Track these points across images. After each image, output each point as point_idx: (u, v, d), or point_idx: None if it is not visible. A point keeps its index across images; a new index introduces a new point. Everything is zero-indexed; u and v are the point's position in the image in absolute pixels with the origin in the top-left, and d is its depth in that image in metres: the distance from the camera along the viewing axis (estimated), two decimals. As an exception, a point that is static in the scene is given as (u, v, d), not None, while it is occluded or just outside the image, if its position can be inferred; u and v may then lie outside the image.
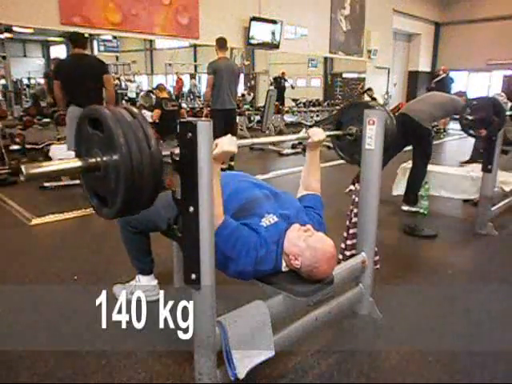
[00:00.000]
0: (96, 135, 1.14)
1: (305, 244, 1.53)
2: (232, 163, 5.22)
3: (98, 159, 1.13)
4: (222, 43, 5.07)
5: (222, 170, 1.55)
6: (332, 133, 2.07)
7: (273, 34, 8.05)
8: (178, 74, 12.98)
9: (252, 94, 10.49)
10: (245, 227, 1.55)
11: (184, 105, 9.96)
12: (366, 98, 10.09)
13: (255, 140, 1.68)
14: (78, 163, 1.13)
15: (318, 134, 1.82)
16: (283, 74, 10.91)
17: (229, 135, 1.44)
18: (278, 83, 10.64)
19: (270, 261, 1.57)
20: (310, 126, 8.06)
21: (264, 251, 1.54)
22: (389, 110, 2.00)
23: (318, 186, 1.91)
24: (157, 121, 5.66)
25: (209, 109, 5.18)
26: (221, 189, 1.50)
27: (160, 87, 6.23)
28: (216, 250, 1.45)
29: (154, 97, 9.49)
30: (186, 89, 13.37)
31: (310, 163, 1.90)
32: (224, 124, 5.02)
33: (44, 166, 1.06)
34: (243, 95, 10.44)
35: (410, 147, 3.84)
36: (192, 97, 13.02)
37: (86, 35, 5.06)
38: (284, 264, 1.60)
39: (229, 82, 5.03)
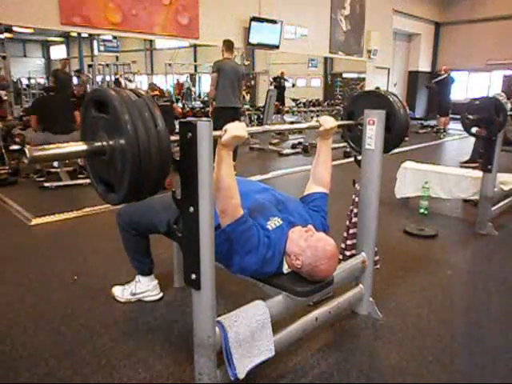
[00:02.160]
0: (101, 118, 1.10)
1: (306, 243, 1.54)
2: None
3: (104, 143, 1.09)
4: (229, 45, 5.15)
5: None
6: (343, 122, 2.02)
7: (273, 34, 8.05)
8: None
9: (249, 94, 10.48)
10: (258, 229, 1.54)
11: (179, 104, 9.98)
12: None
13: (266, 127, 1.62)
14: (83, 147, 1.10)
15: (329, 121, 1.79)
16: (282, 73, 10.91)
17: (237, 122, 1.43)
18: (278, 83, 10.64)
19: (275, 263, 1.57)
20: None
21: (271, 253, 1.54)
22: (401, 100, 1.93)
23: (329, 178, 1.88)
24: None
25: (213, 107, 5.21)
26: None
27: (151, 87, 6.41)
28: (221, 242, 1.45)
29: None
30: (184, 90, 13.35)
31: (322, 152, 1.87)
32: (229, 122, 5.05)
33: (49, 148, 1.03)
34: (244, 95, 10.43)
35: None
36: (190, 97, 13.01)
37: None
38: (286, 266, 1.61)
39: (233, 82, 5.06)
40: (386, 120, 1.85)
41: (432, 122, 11.15)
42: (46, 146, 1.02)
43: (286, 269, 1.61)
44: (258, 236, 1.52)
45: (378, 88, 10.15)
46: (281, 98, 10.28)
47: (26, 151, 0.97)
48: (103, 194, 1.19)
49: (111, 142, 1.09)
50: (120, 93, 1.08)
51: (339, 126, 1.90)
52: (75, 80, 9.48)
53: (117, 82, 11.00)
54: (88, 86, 10.00)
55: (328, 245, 1.54)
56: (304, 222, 1.68)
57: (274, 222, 1.61)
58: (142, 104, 1.08)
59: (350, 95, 13.35)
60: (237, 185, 1.47)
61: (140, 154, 1.04)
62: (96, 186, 1.21)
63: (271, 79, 10.75)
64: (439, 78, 9.43)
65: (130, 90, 1.13)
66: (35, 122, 4.66)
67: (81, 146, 1.10)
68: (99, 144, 1.10)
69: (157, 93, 6.19)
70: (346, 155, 6.12)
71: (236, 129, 1.37)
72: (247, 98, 10.10)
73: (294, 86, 11.28)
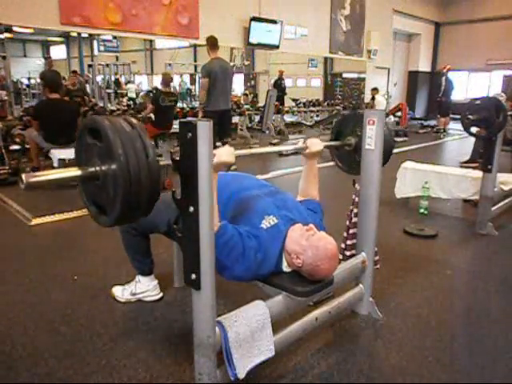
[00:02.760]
0: (95, 145, 1.16)
1: (307, 243, 1.53)
2: (233, 167, 5.18)
3: (97, 168, 1.15)
4: (213, 42, 5.02)
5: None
6: (330, 143, 2.06)
7: (273, 33, 8.05)
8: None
9: (252, 95, 10.49)
10: (241, 235, 1.52)
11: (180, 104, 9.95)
12: (371, 96, 10.13)
13: (253, 150, 1.66)
14: (77, 172, 1.15)
15: (316, 144, 1.82)
16: (281, 73, 10.89)
17: (227, 146, 1.45)
18: (278, 85, 10.63)
19: (271, 263, 1.57)
20: (311, 126, 8.08)
21: (262, 255, 1.54)
22: (388, 121, 1.98)
23: (317, 195, 1.91)
24: (151, 116, 5.69)
25: (203, 111, 5.20)
26: (218, 193, 1.48)
27: (166, 80, 6.15)
28: None
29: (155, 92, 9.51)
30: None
31: (309, 173, 1.90)
32: (218, 125, 5.04)
33: (44, 174, 1.08)
34: (246, 95, 10.43)
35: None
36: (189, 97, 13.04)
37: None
38: (285, 263, 1.60)
39: (223, 83, 5.03)
40: None
41: (432, 122, 11.14)
42: (41, 173, 1.08)
43: (285, 266, 1.61)
44: (243, 242, 1.51)
45: (375, 89, 10.20)
46: (281, 100, 10.29)
47: (23, 178, 1.02)
48: (95, 216, 1.24)
49: (104, 168, 1.14)
50: (114, 123, 1.13)
51: (327, 147, 1.95)
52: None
53: (117, 82, 11.02)
54: (88, 85, 10.03)
55: (329, 244, 1.54)
56: (304, 220, 1.68)
57: (268, 221, 1.61)
58: (135, 135, 1.13)
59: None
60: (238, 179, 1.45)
61: (131, 182, 1.10)
62: (88, 208, 1.26)
63: (271, 84, 10.74)
64: (443, 89, 9.40)
65: (125, 118, 1.18)
66: (38, 126, 4.65)
67: (75, 172, 1.15)
68: (92, 169, 1.16)
69: (168, 90, 6.15)
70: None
71: (225, 154, 1.41)
72: (249, 98, 10.11)
73: (284, 89, 11.15)
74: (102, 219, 1.21)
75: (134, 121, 1.18)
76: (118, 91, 10.89)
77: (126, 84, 12.61)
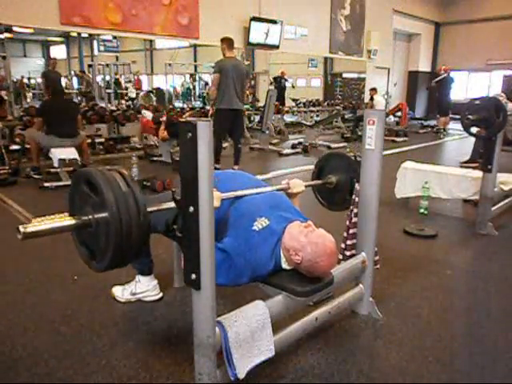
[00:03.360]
0: (91, 197, 1.24)
1: (306, 239, 1.54)
2: (236, 167, 5.08)
3: (90, 217, 1.24)
4: (230, 43, 5.01)
5: (217, 169, 1.55)
6: (312, 183, 2.20)
7: (273, 33, 8.05)
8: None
9: (252, 95, 10.47)
10: (227, 244, 1.54)
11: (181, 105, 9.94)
12: (370, 96, 10.13)
13: (239, 193, 1.68)
14: (71, 222, 1.24)
15: (297, 186, 1.93)
16: (283, 73, 10.89)
17: (214, 192, 1.42)
18: (278, 83, 10.63)
19: (265, 263, 1.57)
20: (310, 126, 8.08)
21: (253, 257, 1.54)
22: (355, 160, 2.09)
23: None
24: (163, 135, 5.54)
25: (214, 108, 5.06)
26: (217, 188, 1.49)
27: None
28: None
29: (154, 98, 9.50)
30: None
31: None
32: (230, 124, 4.91)
33: (40, 224, 1.16)
34: (246, 96, 10.41)
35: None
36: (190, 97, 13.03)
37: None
38: (284, 260, 1.61)
39: (236, 82, 4.90)
40: (349, 183, 2.09)
41: (432, 122, 11.14)
42: (37, 223, 1.16)
43: (284, 262, 1.61)
44: (230, 260, 1.52)
45: (374, 89, 10.19)
46: (281, 98, 10.28)
47: (20, 229, 1.11)
48: (86, 260, 1.35)
49: (97, 218, 1.23)
50: (111, 182, 1.20)
51: (308, 186, 2.09)
52: (75, 80, 9.49)
53: (117, 83, 11.01)
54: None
55: (328, 241, 1.55)
56: (302, 218, 1.70)
57: (260, 223, 1.61)
58: (130, 195, 1.21)
59: (349, 95, 13.35)
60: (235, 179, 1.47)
61: (122, 235, 1.19)
62: (79, 250, 1.39)
63: (271, 79, 10.74)
64: (439, 78, 9.45)
65: (121, 175, 1.25)
66: (41, 124, 4.74)
67: (70, 221, 1.24)
68: (86, 218, 1.25)
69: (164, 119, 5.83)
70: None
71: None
72: (250, 98, 10.09)
73: (293, 87, 11.24)
74: (93, 264, 1.32)
75: (129, 178, 1.26)
76: (118, 91, 10.89)
77: (125, 84, 12.63)
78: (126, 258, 1.27)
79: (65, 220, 1.24)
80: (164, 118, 5.64)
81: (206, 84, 12.91)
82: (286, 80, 10.94)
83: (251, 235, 1.57)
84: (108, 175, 1.22)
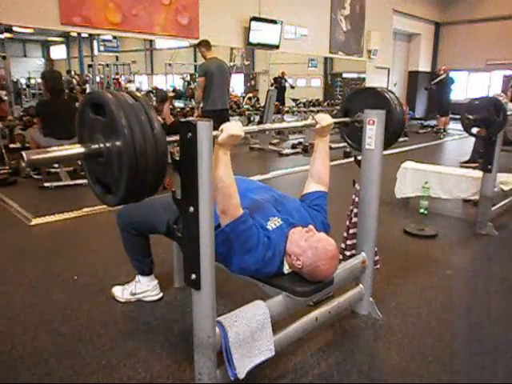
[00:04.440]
0: (98, 120, 1.11)
1: (306, 244, 1.54)
2: None
3: (101, 145, 1.10)
4: (206, 44, 5.11)
5: None
6: (340, 119, 2.02)
7: (273, 34, 8.05)
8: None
9: (255, 98, 10.47)
10: (258, 229, 1.54)
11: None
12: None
13: (262, 126, 1.58)
14: (80, 149, 1.10)
15: (325, 119, 1.79)
16: (283, 73, 10.89)
17: (234, 121, 1.42)
18: (279, 83, 10.63)
19: (275, 264, 1.57)
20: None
21: (271, 254, 1.54)
22: (397, 96, 1.95)
23: (327, 176, 1.87)
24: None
25: (200, 110, 5.22)
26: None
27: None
28: (221, 242, 1.44)
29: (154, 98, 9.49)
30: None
31: (319, 149, 1.87)
32: (217, 124, 5.04)
33: (46, 152, 1.04)
34: (250, 98, 10.40)
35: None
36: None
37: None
38: (286, 266, 1.61)
39: (221, 83, 5.03)
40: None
41: (432, 122, 11.14)
42: (42, 150, 1.03)
43: (286, 269, 1.61)
44: (258, 236, 1.52)
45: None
46: (281, 99, 10.27)
47: (24, 155, 0.98)
48: (101, 196, 1.19)
49: (108, 144, 1.09)
50: (117, 96, 1.09)
51: (336, 123, 1.91)
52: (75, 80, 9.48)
53: (116, 83, 11.00)
54: (87, 85, 10.03)
55: (329, 245, 1.54)
56: (304, 222, 1.69)
57: (274, 222, 1.61)
58: (139, 107, 1.09)
59: (348, 93, 13.34)
60: (236, 183, 1.47)
61: (137, 157, 1.05)
62: (93, 187, 1.21)
63: (272, 80, 10.73)
64: (437, 80, 9.44)
65: (128, 92, 1.14)
66: (39, 123, 4.74)
67: (78, 149, 1.11)
68: (96, 146, 1.11)
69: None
70: (346, 155, 6.12)
71: (232, 128, 1.38)
72: (253, 102, 10.09)
73: (293, 87, 11.22)
74: (108, 198, 1.17)
75: (138, 93, 1.14)
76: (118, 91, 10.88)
77: (126, 83, 12.61)
78: (144, 184, 1.12)
79: (74, 148, 1.11)
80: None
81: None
82: (285, 80, 10.94)
83: (268, 232, 1.57)
84: (117, 94, 1.10)
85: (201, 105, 5.23)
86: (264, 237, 1.54)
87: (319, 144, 1.86)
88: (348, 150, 6.08)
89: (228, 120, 5.65)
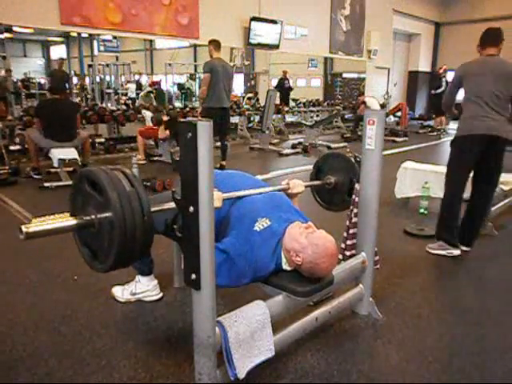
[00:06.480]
0: (94, 197, 1.25)
1: (306, 241, 1.54)
2: (223, 163, 5.33)
3: (93, 217, 1.25)
4: (217, 44, 5.17)
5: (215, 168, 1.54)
6: (311, 183, 2.21)
7: (273, 34, 8.05)
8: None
9: (255, 98, 10.47)
10: (228, 255, 1.51)
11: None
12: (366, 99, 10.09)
13: (238, 193, 1.67)
14: (74, 221, 1.26)
15: (297, 186, 1.94)
16: (285, 73, 10.87)
17: (216, 193, 1.40)
18: (282, 85, 10.62)
19: (266, 264, 1.57)
20: (310, 127, 8.08)
21: (254, 257, 1.54)
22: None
23: None
24: (164, 135, 5.53)
25: (202, 107, 5.26)
26: (217, 187, 1.48)
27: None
28: None
29: (153, 96, 9.49)
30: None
31: None
32: (219, 121, 5.08)
33: (42, 225, 1.19)
34: (250, 98, 10.41)
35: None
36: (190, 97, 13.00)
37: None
38: (285, 261, 1.60)
39: (224, 81, 5.11)
40: (349, 183, 2.11)
41: (432, 122, 11.14)
42: (39, 223, 1.19)
43: (284, 263, 1.61)
44: (231, 261, 1.52)
45: (363, 102, 10.08)
46: (285, 99, 10.27)
47: (23, 228, 1.12)
48: (89, 261, 1.36)
49: (100, 218, 1.24)
50: (115, 182, 1.21)
51: (308, 186, 2.10)
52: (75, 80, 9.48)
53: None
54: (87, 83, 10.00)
55: (328, 242, 1.55)
56: (302, 218, 1.70)
57: (261, 224, 1.61)
58: (134, 195, 1.22)
59: (349, 95, 13.33)
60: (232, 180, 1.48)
61: (127, 239, 1.21)
62: (81, 251, 1.40)
63: (275, 81, 10.70)
64: (439, 91, 9.42)
65: (124, 174, 1.25)
66: (38, 124, 4.71)
67: (71, 221, 1.27)
68: (88, 218, 1.26)
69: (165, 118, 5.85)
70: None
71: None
72: (253, 102, 10.09)
73: (292, 89, 11.18)
74: (96, 265, 1.34)
75: (134, 177, 1.26)
76: (119, 91, 10.87)
77: (126, 83, 12.61)
78: (131, 258, 1.27)
79: (67, 220, 1.24)
80: (165, 118, 5.66)
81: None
82: (288, 81, 10.92)
83: (252, 236, 1.57)
84: (111, 174, 1.22)
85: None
86: (240, 246, 1.53)
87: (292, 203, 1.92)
88: (348, 150, 6.08)
89: (228, 119, 5.67)
